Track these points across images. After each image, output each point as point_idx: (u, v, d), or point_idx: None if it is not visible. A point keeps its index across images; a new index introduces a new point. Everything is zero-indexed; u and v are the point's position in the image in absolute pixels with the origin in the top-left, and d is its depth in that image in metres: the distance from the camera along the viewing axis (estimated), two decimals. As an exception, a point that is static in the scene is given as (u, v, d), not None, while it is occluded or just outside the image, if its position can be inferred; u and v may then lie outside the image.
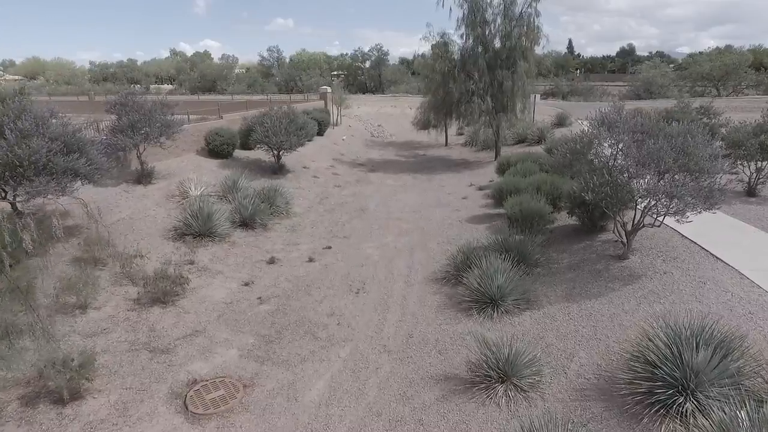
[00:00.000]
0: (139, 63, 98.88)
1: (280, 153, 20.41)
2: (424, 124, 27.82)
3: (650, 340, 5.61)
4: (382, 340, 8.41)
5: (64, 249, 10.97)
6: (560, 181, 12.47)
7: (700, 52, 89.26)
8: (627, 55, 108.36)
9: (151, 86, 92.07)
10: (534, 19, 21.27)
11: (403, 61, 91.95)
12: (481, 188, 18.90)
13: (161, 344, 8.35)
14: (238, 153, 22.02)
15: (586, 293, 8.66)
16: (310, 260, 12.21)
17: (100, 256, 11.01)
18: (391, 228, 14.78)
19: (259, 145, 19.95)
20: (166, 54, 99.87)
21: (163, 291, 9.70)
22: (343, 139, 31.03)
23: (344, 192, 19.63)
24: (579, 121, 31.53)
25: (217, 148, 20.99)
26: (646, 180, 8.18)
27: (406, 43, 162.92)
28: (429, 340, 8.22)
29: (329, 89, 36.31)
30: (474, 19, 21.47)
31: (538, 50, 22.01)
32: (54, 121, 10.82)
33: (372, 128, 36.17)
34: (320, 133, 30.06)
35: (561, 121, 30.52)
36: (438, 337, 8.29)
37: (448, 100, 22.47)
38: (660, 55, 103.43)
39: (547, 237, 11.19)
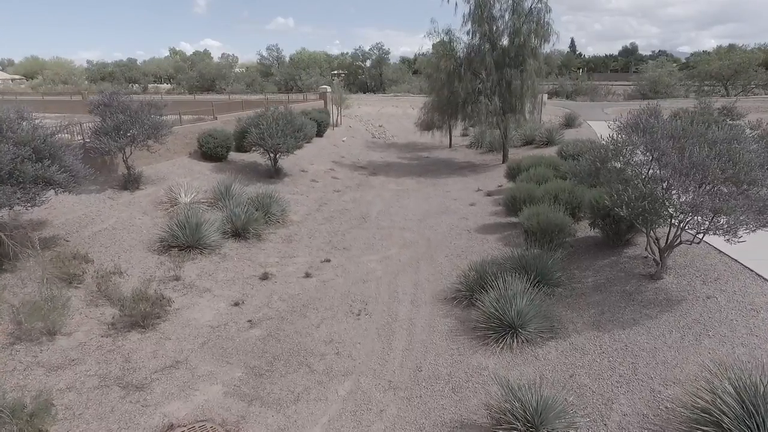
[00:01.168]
0: (139, 62, 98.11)
1: (277, 156, 19.45)
2: (427, 125, 26.86)
3: (715, 394, 4.61)
4: (387, 374, 7.44)
5: (37, 264, 10.01)
6: (579, 190, 11.49)
7: (705, 51, 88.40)
8: (630, 54, 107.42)
9: (150, 85, 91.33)
10: (544, 15, 20.34)
11: (405, 60, 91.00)
12: (489, 194, 17.92)
13: (136, 379, 7.38)
14: (233, 156, 21.08)
15: (619, 320, 7.68)
16: (307, 276, 11.24)
17: (76, 272, 10.04)
18: (395, 238, 13.80)
19: (255, 148, 18.97)
20: (166, 53, 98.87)
21: (141, 314, 8.73)
22: (343, 141, 30.06)
23: (344, 198, 18.66)
24: (588, 123, 30.60)
25: (210, 151, 20.04)
26: (689, 193, 7.18)
27: (407, 43, 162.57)
28: (441, 375, 7.25)
29: (329, 89, 35.35)
30: (481, 15, 20.50)
31: (547, 48, 21.04)
32: (24, 123, 9.86)
33: (373, 129, 35.21)
34: (319, 134, 29.10)
35: (569, 122, 29.56)
36: (451, 371, 7.32)
37: (453, 100, 21.51)
38: (663, 54, 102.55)
39: (567, 252, 10.20)
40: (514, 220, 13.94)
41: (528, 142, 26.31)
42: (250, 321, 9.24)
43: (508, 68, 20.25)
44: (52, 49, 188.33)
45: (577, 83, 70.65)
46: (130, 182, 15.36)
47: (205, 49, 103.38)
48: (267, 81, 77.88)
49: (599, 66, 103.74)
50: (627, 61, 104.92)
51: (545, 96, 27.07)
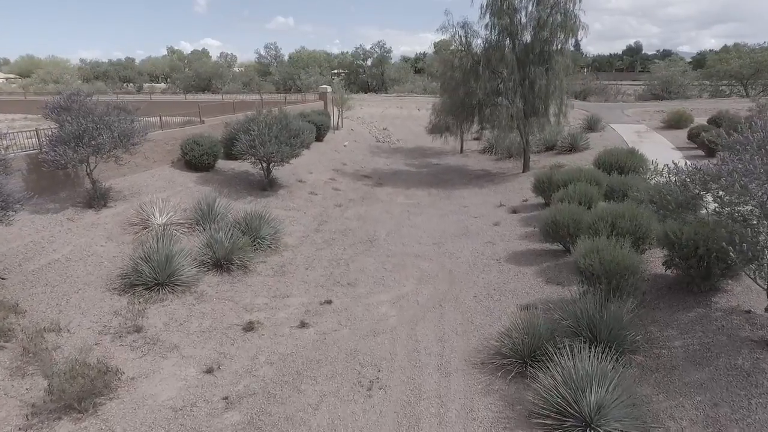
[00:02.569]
0: (137, 62, 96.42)
1: (271, 166, 17.21)
2: (439, 129, 24.57)
3: None
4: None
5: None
6: (644, 216, 9.24)
7: (712, 50, 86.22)
8: (634, 53, 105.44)
9: (145, 85, 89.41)
10: (572, 6, 18.10)
11: (407, 59, 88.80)
12: (514, 211, 15.66)
13: None
14: (222, 164, 18.84)
15: (746, 422, 5.42)
16: (303, 325, 8.99)
17: (2, 326, 7.81)
18: (409, 269, 11.56)
19: (245, 157, 16.73)
20: (164, 53, 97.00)
21: (77, 394, 6.49)
22: (344, 146, 27.83)
23: (347, 214, 16.41)
24: (611, 126, 28.37)
25: (195, 160, 17.80)
26: None
27: (408, 42, 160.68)
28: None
29: (329, 88, 33.12)
30: (501, 6, 18.28)
31: (572, 43, 18.79)
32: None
33: (377, 132, 32.98)
34: (319, 139, 26.88)
35: (591, 125, 27.33)
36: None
37: (468, 101, 19.31)
38: (668, 53, 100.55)
39: (638, 300, 7.94)
40: (552, 247, 11.72)
41: (549, 148, 24.08)
42: (226, 398, 7.00)
43: (532, 66, 18.03)
44: (52, 48, 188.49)
45: (586, 83, 68.41)
46: (96, 199, 13.13)
47: (204, 48, 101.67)
48: (265, 80, 75.76)
49: (604, 65, 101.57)
50: (632, 61, 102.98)
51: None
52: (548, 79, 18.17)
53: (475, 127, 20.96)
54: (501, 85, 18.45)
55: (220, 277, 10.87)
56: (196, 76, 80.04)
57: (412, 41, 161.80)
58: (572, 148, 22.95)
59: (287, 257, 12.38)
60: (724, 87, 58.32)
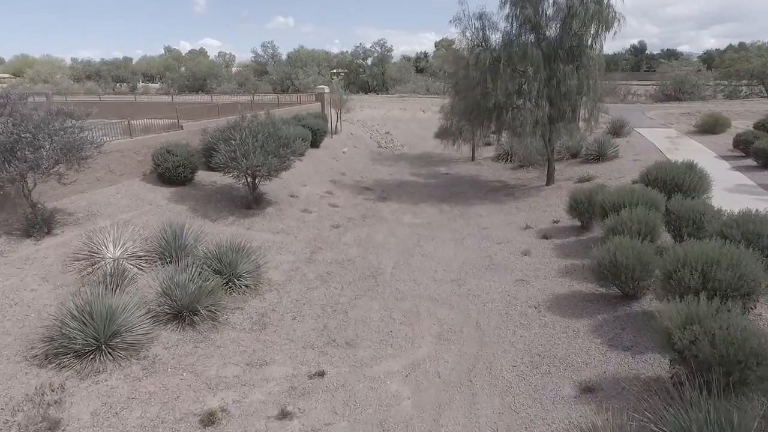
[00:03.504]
0: (135, 61, 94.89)
1: (256, 181, 14.84)
2: (450, 134, 22.13)
3: None
4: None
5: None
6: (749, 263, 6.85)
7: (718, 50, 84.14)
8: (638, 52, 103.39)
9: (139, 85, 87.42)
10: (607, -6, 15.73)
11: (408, 59, 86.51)
12: (545, 236, 13.28)
13: None
14: (203, 176, 16.50)
15: None
16: (284, 415, 6.63)
17: None
18: (425, 320, 9.19)
19: (226, 170, 14.36)
20: (162, 52, 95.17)
21: None
22: (343, 152, 25.47)
23: (346, 237, 14.04)
24: (636, 130, 26.00)
25: (169, 172, 15.46)
26: None
27: (407, 42, 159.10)
28: None
29: (326, 89, 30.80)
30: (524, -6, 15.95)
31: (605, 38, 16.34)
32: None
33: (379, 136, 30.61)
34: (315, 145, 24.56)
35: (616, 130, 24.96)
36: None
37: (484, 104, 16.97)
38: (672, 52, 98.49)
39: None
40: (605, 291, 9.32)
41: (572, 155, 21.72)
42: None
43: (560, 63, 15.67)
44: (52, 48, 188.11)
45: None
46: (37, 226, 10.77)
47: (201, 48, 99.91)
48: (261, 80, 73.59)
49: (609, 64, 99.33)
50: (637, 60, 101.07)
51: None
52: (579, 78, 15.80)
53: (492, 132, 18.49)
54: (525, 86, 16.08)
55: (180, 333, 8.48)
56: (191, 76, 78.09)
57: (412, 41, 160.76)
58: (599, 156, 20.59)
59: (270, 301, 9.99)
60: (743, 87, 56.02)
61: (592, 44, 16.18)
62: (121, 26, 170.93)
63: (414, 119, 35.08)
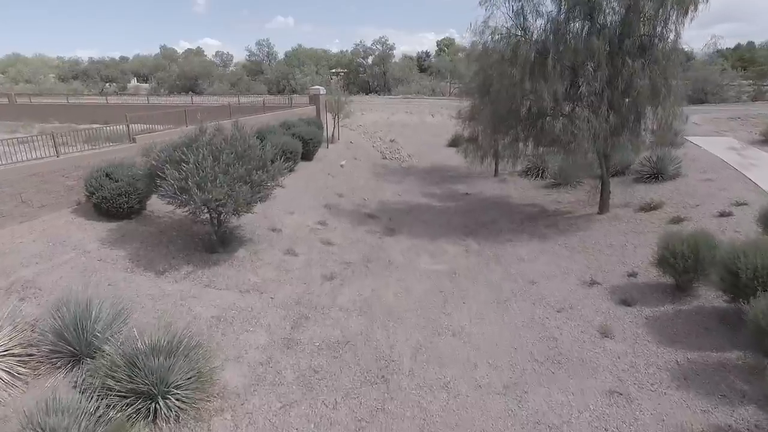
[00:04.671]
0: (128, 61, 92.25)
1: (221, 217, 11.08)
2: (479, 149, 18.20)
3: None
4: None
5: None
6: None
7: (728, 48, 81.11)
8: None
9: (129, 84, 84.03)
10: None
11: (410, 58, 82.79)
12: (625, 301, 9.47)
13: None
14: (158, 205, 12.73)
15: None
16: None
17: None
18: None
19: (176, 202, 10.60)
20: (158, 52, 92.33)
21: None
22: (341, 166, 21.71)
23: (343, 297, 10.27)
24: (688, 139, 22.25)
25: (105, 203, 11.78)
26: None
27: (407, 42, 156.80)
28: None
29: (322, 90, 27.03)
30: (575, -31, 12.27)
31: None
32: None
33: (383, 145, 26.84)
34: (308, 157, 20.85)
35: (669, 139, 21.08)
36: None
37: (522, 110, 13.25)
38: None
39: None
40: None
41: (619, 172, 17.93)
42: None
43: (628, 58, 11.96)
44: (52, 48, 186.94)
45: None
46: None
47: (198, 47, 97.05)
48: (256, 81, 70.03)
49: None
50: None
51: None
52: (652, 78, 12.05)
53: (535, 146, 14.61)
54: (582, 87, 12.29)
55: None
56: (182, 76, 74.71)
57: (412, 41, 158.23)
58: (658, 174, 16.82)
59: (218, 439, 6.22)
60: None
61: (664, 33, 12.41)
62: (121, 26, 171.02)
63: (422, 125, 31.32)
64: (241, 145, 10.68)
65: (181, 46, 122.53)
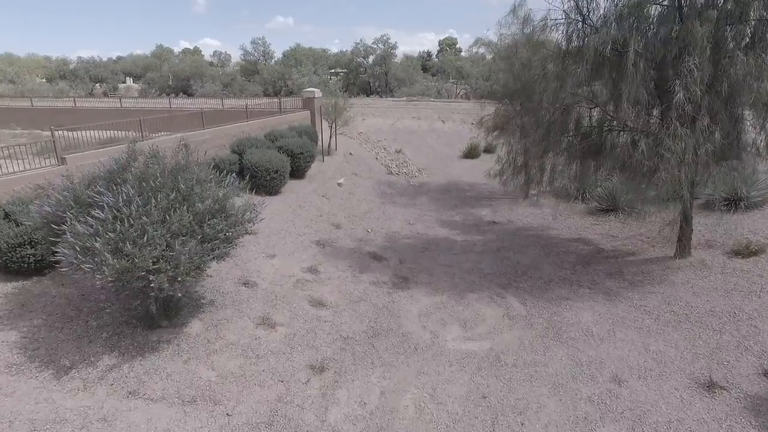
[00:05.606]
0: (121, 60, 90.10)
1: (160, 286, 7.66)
2: (517, 170, 14.75)
3: None
4: None
5: None
6: None
7: None
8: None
9: (120, 85, 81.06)
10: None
11: (412, 58, 79.59)
12: (756, 414, 6.06)
13: None
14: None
15: None
16: None
17: None
18: None
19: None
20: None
21: None
22: (339, 184, 18.32)
23: (336, 411, 6.88)
24: None
25: (1, 255, 8.39)
26: None
27: (407, 42, 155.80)
28: None
29: (317, 92, 23.66)
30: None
31: None
32: None
33: (388, 157, 23.41)
34: (299, 175, 17.51)
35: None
36: None
37: (578, 119, 9.92)
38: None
39: None
40: None
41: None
42: None
43: (739, 53, 8.63)
44: (52, 48, 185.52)
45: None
46: None
47: (195, 47, 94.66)
48: (250, 81, 66.77)
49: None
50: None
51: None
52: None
53: (603, 174, 11.16)
54: (680, 93, 8.79)
55: None
56: (174, 76, 71.79)
57: (412, 41, 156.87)
58: (736, 199, 13.47)
59: None
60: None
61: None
62: (121, 27, 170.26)
63: (432, 132, 27.90)
64: (187, 182, 7.29)
65: (181, 46, 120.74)
